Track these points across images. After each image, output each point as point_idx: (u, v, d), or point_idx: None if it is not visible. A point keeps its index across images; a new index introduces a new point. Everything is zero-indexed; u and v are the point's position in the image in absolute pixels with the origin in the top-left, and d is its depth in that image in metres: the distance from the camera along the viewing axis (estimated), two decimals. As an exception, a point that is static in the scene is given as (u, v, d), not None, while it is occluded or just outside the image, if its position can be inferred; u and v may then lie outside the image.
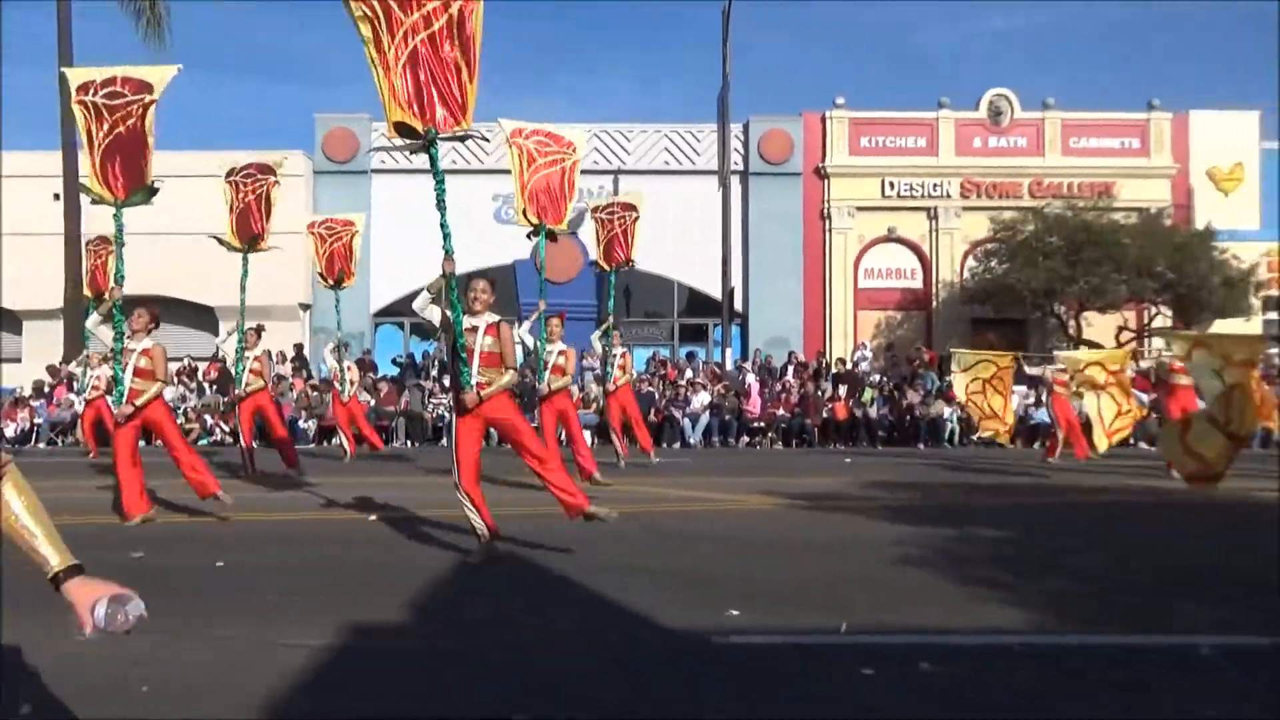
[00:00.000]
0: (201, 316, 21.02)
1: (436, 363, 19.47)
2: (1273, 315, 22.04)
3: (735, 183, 21.82)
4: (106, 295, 7.95)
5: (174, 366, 17.09)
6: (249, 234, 10.51)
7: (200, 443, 17.17)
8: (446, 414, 17.48)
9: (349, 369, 13.29)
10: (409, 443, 17.17)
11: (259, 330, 11.57)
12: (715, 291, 21.43)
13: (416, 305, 6.03)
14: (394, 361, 21.55)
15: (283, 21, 60.94)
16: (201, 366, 19.86)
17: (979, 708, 3.43)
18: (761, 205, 22.27)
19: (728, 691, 3.60)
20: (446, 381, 18.34)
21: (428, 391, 18.10)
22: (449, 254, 5.75)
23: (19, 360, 21.77)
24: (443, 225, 5.90)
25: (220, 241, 10.82)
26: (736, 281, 21.61)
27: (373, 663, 3.93)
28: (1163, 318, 20.86)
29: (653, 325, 22.90)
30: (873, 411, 17.65)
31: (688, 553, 6.35)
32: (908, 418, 17.54)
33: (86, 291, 13.15)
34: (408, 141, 5.92)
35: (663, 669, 3.88)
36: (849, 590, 5.18)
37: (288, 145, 20.28)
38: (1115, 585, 5.45)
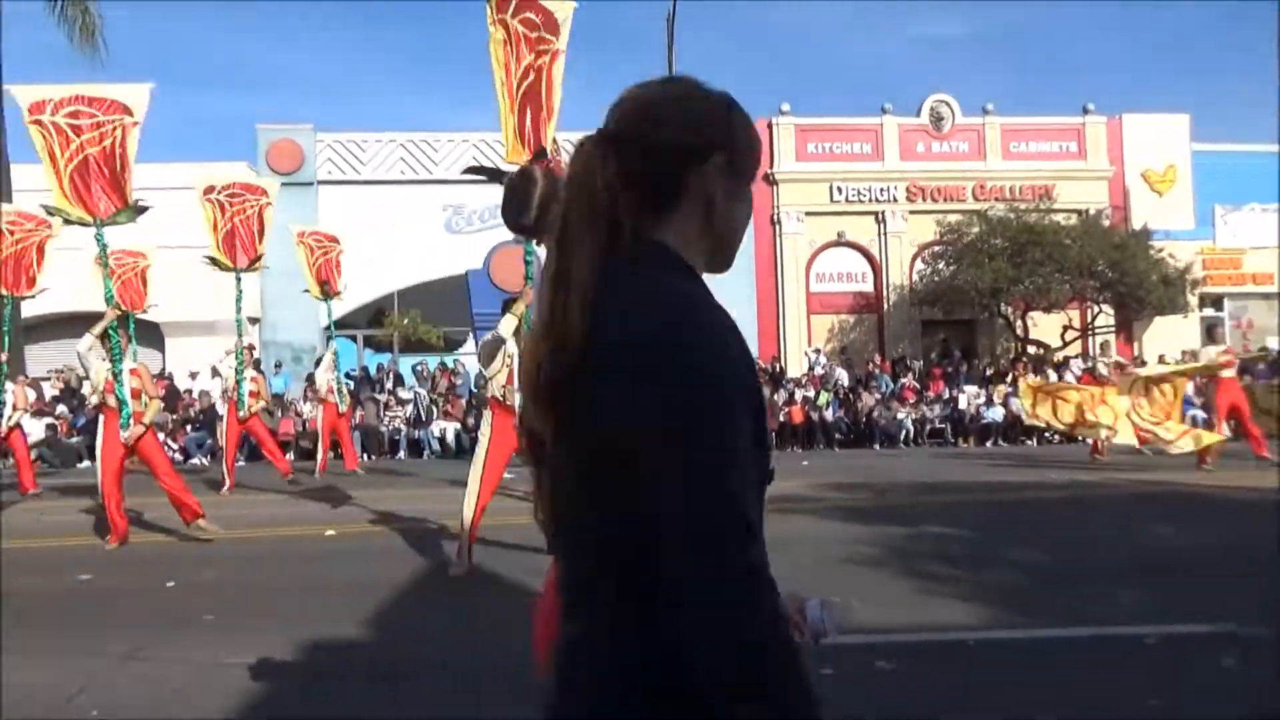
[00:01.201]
0: (148, 332, 20.58)
1: (391, 375, 19.29)
2: (1209, 311, 22.76)
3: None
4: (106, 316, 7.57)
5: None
6: (246, 254, 10.72)
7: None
8: (403, 426, 17.35)
9: (254, 379, 11.96)
10: (366, 455, 16.97)
11: (252, 348, 11.55)
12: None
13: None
14: (347, 375, 21.30)
15: (218, 28, 59.93)
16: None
17: (936, 704, 3.49)
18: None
19: (688, 695, 3.61)
20: (401, 394, 18.25)
21: (382, 404, 17.91)
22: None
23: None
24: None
25: (214, 262, 10.88)
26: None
27: (321, 678, 3.89)
28: (1105, 316, 21.40)
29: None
30: (829, 414, 17.85)
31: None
32: (863, 420, 17.77)
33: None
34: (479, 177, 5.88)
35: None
36: (805, 591, 5.23)
37: (228, 157, 19.99)
38: (1061, 578, 5.59)
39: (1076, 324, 21.57)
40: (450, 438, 17.30)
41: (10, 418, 11.50)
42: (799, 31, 56.39)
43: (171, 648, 4.28)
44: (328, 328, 14.51)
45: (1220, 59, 49.70)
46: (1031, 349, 20.82)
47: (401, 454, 16.90)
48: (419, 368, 19.40)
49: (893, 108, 22.77)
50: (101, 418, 7.53)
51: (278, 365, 20.00)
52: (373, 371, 20.18)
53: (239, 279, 11.13)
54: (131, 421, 7.25)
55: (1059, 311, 20.39)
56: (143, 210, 7.46)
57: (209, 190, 10.92)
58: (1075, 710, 3.43)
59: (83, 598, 5.43)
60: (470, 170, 6.07)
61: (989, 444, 17.25)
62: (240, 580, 5.89)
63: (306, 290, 13.56)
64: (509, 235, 24.42)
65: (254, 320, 21.94)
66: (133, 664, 4.05)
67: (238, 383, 11.17)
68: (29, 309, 19.94)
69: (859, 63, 56.07)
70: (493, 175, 5.91)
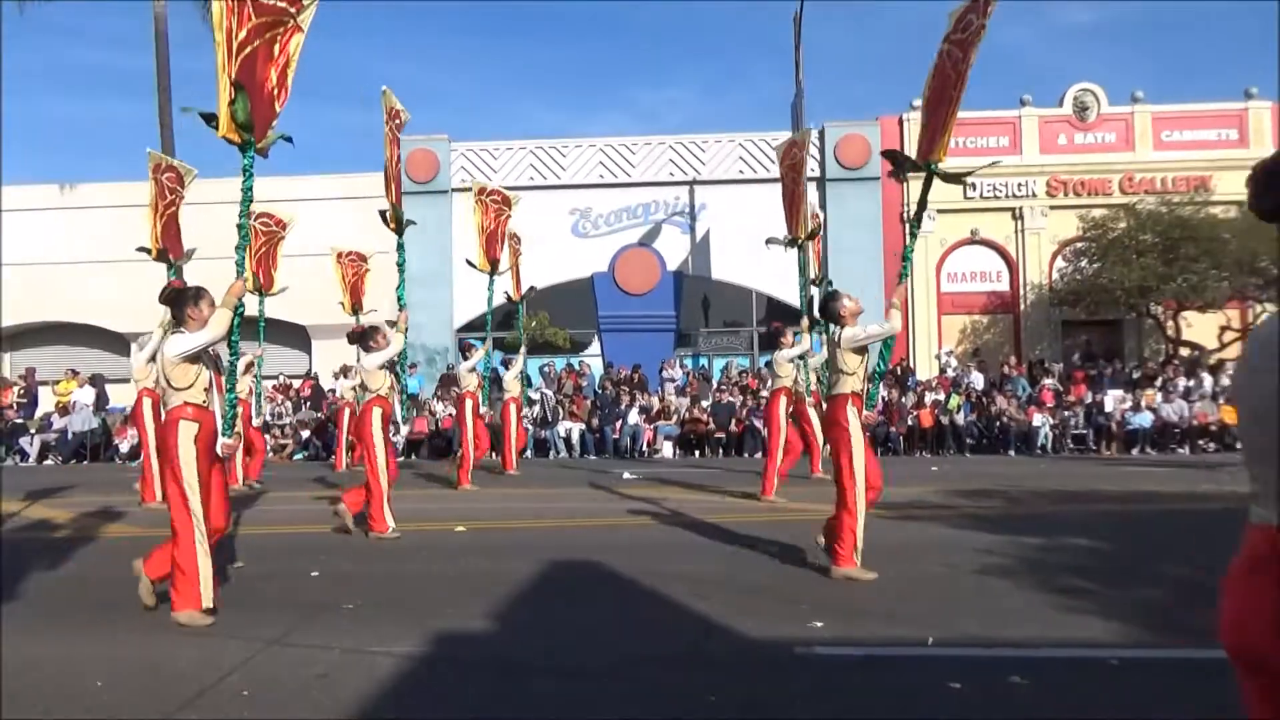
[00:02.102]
0: (295, 334, 21.79)
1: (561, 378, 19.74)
2: (1392, 310, 20.76)
3: (812, 189, 21.61)
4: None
5: (268, 384, 17.78)
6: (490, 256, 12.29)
7: (295, 457, 17.81)
8: (530, 427, 17.74)
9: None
10: (492, 454, 17.46)
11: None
12: (794, 299, 21.24)
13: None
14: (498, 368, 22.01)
15: (358, 46, 62.86)
16: (296, 383, 20.58)
17: (1071, 722, 3.33)
18: (839, 211, 22.01)
19: (812, 704, 3.57)
20: (530, 394, 18.66)
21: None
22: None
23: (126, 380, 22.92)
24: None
25: (472, 265, 12.62)
26: (815, 289, 21.36)
27: (458, 670, 4.03)
28: (1269, 315, 19.85)
29: (732, 335, 22.83)
30: (959, 418, 17.24)
31: (761, 562, 6.31)
32: (996, 425, 17.08)
33: (347, 301, 14.34)
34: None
35: (744, 678, 3.87)
36: (932, 600, 5.09)
37: (368, 168, 20.88)
38: (1208, 596, 5.22)
39: (1236, 324, 20.11)
40: (575, 438, 17.60)
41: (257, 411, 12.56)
42: (929, 27, 54.70)
43: (316, 634, 4.52)
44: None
45: (1406, 33, 45.28)
46: (1185, 351, 19.53)
47: (529, 453, 17.31)
48: (546, 369, 19.83)
49: (1033, 99, 21.82)
50: (379, 410, 7.59)
51: (413, 366, 20.80)
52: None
53: (492, 282, 12.72)
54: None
55: (1216, 311, 19.04)
56: (287, 139, 5.68)
57: (481, 192, 12.32)
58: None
59: (235, 583, 5.80)
60: (886, 155, 6.36)
61: (1134, 451, 16.30)
62: (378, 571, 6.17)
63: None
64: (633, 238, 24.71)
65: (390, 323, 22.95)
66: (280, 649, 4.30)
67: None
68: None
69: (996, 54, 53.93)
70: (901, 163, 6.19)
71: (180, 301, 4.95)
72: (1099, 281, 19.16)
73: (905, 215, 21.85)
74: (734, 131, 22.69)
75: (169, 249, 10.75)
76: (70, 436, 18.20)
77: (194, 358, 4.82)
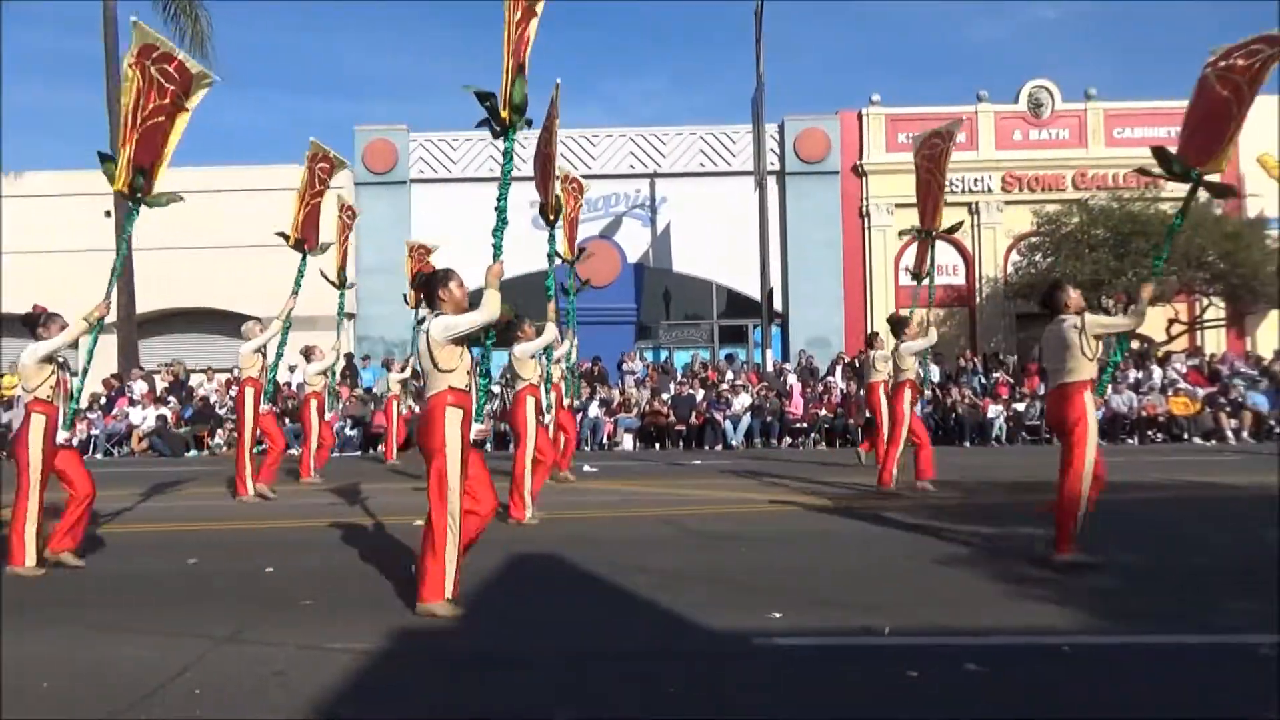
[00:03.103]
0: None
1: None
2: (1331, 304, 21.41)
3: (772, 183, 21.72)
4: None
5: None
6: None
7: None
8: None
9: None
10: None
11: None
12: (754, 292, 21.35)
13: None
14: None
15: (311, 33, 61.91)
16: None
17: (1028, 709, 3.38)
18: (799, 204, 22.16)
19: (772, 694, 3.59)
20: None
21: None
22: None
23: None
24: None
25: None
26: (776, 282, 21.49)
27: (418, 665, 3.99)
28: (1215, 309, 20.36)
29: (693, 327, 22.89)
30: (917, 410, 17.40)
31: (725, 555, 6.34)
32: (953, 416, 17.32)
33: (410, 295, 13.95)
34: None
35: (706, 671, 3.88)
36: (890, 590, 5.14)
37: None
38: (1159, 582, 5.35)
39: (1184, 317, 20.59)
40: (536, 431, 17.51)
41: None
42: (889, 21, 55.17)
43: (272, 631, 4.45)
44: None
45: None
46: (1135, 344, 19.95)
47: (488, 446, 17.15)
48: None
49: (988, 95, 22.11)
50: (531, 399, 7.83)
51: (365, 358, 20.60)
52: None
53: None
54: None
55: (1164, 305, 19.48)
56: (176, 199, 7.16)
57: (565, 179, 11.71)
58: (1172, 714, 3.28)
59: (187, 581, 5.70)
60: (1156, 152, 6.41)
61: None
62: (336, 566, 6.08)
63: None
64: (594, 231, 24.63)
65: (350, 315, 22.66)
66: (234, 646, 4.22)
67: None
68: (143, 305, 21.04)
69: (953, 50, 54.59)
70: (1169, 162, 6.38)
71: (432, 284, 5.02)
72: (1052, 275, 19.50)
73: (863, 209, 22.06)
74: (695, 124, 22.73)
75: (305, 239, 10.75)
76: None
77: (460, 340, 4.83)
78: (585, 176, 22.16)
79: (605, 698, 3.57)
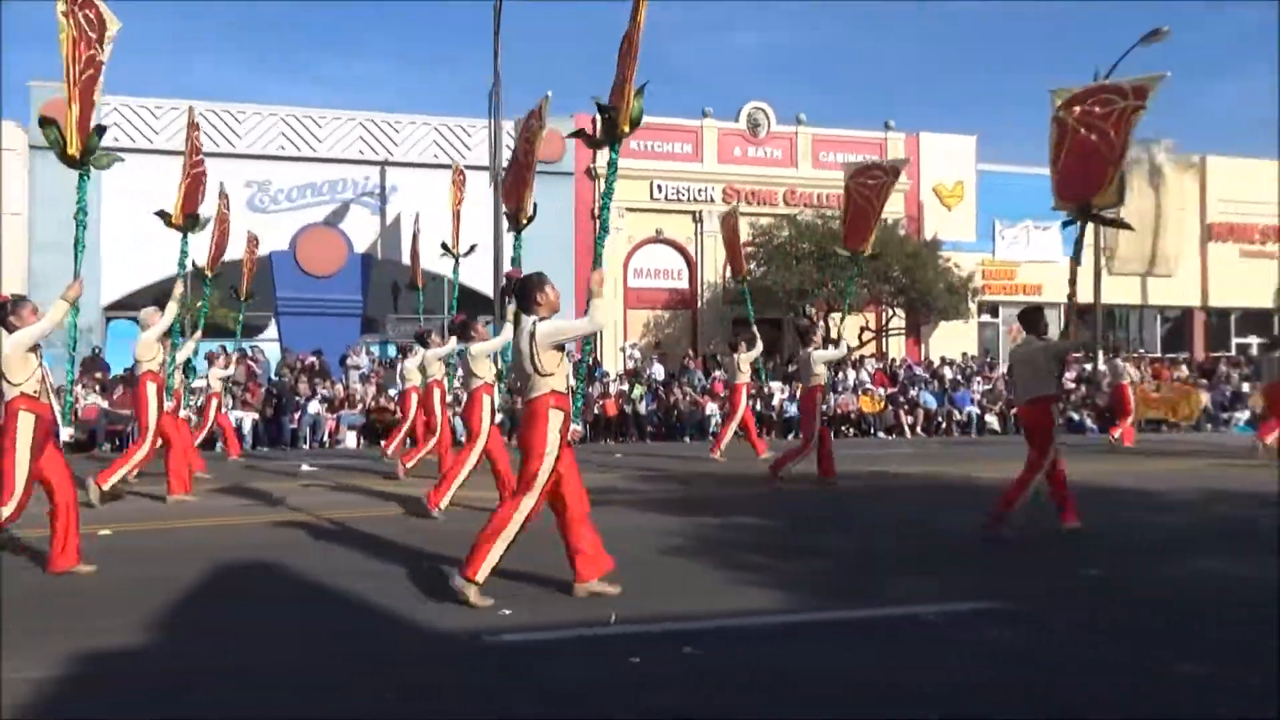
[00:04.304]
0: None
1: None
2: (986, 318, 24.92)
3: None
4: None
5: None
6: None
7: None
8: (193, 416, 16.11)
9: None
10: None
11: None
12: (489, 289, 21.20)
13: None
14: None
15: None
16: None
17: (735, 685, 3.62)
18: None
19: (503, 689, 3.58)
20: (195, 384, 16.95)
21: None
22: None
23: None
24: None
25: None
26: (509, 279, 21.45)
27: (110, 689, 3.56)
28: (897, 319, 22.93)
29: (424, 322, 22.30)
30: (641, 408, 18.16)
31: (449, 553, 6.23)
32: (674, 413, 18.20)
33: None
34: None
35: (430, 671, 3.80)
36: (619, 581, 5.29)
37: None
38: (864, 562, 5.95)
39: (872, 325, 22.99)
40: (248, 429, 16.31)
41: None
42: (618, 31, 56.90)
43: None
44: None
45: (1005, 86, 54.50)
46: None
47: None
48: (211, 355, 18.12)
49: (713, 111, 23.43)
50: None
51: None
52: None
53: None
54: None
55: (856, 314, 21.67)
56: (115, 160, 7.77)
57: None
58: (861, 678, 3.64)
59: None
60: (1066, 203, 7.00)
61: (790, 436, 18.11)
62: (9, 589, 5.29)
63: None
64: (318, 217, 23.30)
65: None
66: None
67: None
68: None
69: (675, 65, 57.38)
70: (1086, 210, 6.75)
71: (528, 288, 5.03)
72: (765, 283, 21.06)
73: (595, 211, 22.58)
74: (429, 114, 22.17)
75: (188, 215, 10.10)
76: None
77: (560, 346, 4.85)
78: (310, 159, 21.09)
79: (323, 706, 3.37)
